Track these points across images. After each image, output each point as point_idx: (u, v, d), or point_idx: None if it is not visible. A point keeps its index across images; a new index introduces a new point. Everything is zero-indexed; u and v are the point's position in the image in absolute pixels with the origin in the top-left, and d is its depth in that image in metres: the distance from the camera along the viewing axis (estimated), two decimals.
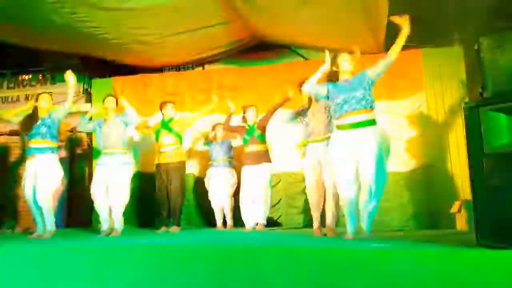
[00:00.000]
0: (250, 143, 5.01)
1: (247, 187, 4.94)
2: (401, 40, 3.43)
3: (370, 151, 3.29)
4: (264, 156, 4.98)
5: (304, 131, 4.26)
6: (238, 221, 5.36)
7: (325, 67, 3.67)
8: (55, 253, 2.92)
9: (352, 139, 3.36)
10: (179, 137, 5.19)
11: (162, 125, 5.19)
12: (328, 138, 3.79)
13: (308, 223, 5.49)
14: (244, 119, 5.20)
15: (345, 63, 3.57)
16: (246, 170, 4.98)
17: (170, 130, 5.12)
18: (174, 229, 4.95)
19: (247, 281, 2.38)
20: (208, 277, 2.44)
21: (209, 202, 5.56)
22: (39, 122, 4.39)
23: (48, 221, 4.26)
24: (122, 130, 4.72)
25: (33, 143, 4.34)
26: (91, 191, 4.58)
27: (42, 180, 4.26)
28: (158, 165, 5.13)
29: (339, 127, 3.46)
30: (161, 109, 5.27)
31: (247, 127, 5.07)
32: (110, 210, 4.55)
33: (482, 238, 2.33)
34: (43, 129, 4.34)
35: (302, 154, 4.29)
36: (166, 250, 2.89)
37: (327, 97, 3.60)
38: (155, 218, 5.37)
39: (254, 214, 4.94)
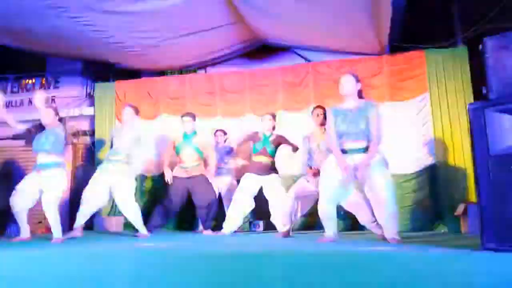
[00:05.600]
0: (259, 153, 4.81)
1: (243, 194, 4.76)
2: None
3: (375, 174, 3.33)
4: (270, 168, 4.82)
5: (311, 159, 4.39)
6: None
7: None
8: (60, 257, 2.91)
9: (350, 162, 3.40)
10: (201, 153, 5.05)
11: (185, 140, 5.02)
12: None
13: (310, 226, 5.48)
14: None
15: (340, 87, 3.57)
16: (248, 177, 4.80)
17: (193, 146, 4.98)
18: (207, 232, 4.95)
19: (247, 285, 2.36)
20: (207, 281, 2.41)
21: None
22: (43, 136, 4.35)
23: (55, 230, 4.28)
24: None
25: (39, 158, 4.33)
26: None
27: (47, 194, 4.25)
28: (175, 178, 5.00)
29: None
30: (182, 122, 5.07)
31: (261, 136, 4.85)
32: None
33: (488, 241, 2.30)
34: (47, 146, 4.30)
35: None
36: (161, 253, 2.87)
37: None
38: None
39: (237, 221, 4.83)
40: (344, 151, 3.45)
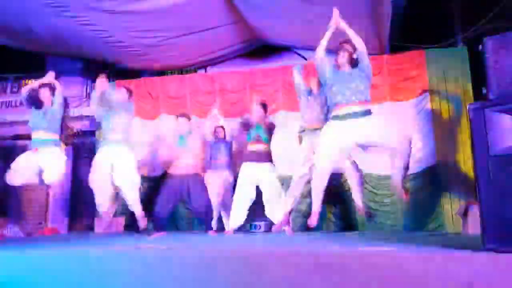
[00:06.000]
0: (253, 141, 4.84)
1: (243, 184, 4.78)
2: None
3: (370, 138, 3.37)
4: (266, 155, 4.84)
5: (302, 118, 4.46)
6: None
7: (332, 25, 3.71)
8: (58, 258, 2.91)
9: (346, 129, 3.40)
10: (196, 152, 5.06)
11: (180, 140, 5.03)
12: None
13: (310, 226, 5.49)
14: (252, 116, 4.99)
15: (339, 56, 3.60)
16: (246, 166, 4.82)
17: (186, 146, 4.98)
18: (211, 233, 4.90)
19: (247, 284, 2.36)
20: (207, 280, 2.41)
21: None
22: (40, 114, 4.37)
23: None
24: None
25: (35, 135, 4.34)
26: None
27: (48, 172, 4.25)
28: (170, 175, 5.02)
29: (334, 118, 3.51)
30: (177, 123, 5.08)
31: (254, 124, 4.92)
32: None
33: (489, 241, 2.29)
34: (44, 123, 4.34)
35: (299, 140, 4.44)
36: (166, 254, 2.86)
37: (325, 81, 3.63)
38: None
39: (242, 217, 4.83)
40: (341, 117, 3.44)
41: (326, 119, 4.09)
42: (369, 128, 3.37)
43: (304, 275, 2.34)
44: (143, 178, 6.08)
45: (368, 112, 3.42)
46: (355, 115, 3.39)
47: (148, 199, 5.91)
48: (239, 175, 4.87)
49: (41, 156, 4.27)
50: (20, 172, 4.26)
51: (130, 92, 4.84)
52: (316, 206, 3.64)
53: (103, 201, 4.55)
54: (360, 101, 3.42)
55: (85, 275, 2.61)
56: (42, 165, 4.26)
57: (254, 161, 4.80)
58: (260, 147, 4.83)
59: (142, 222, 4.55)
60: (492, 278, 2.06)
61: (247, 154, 4.90)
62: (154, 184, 6.07)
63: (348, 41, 3.68)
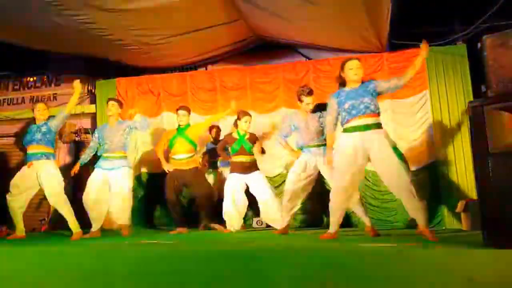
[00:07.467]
0: (238, 153, 4.87)
1: (231, 192, 4.81)
2: (415, 68, 3.53)
3: (385, 151, 3.31)
4: (252, 166, 4.88)
5: (297, 139, 4.45)
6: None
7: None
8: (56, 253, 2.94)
9: (359, 142, 3.37)
10: (195, 145, 5.08)
11: (178, 132, 5.06)
12: (323, 145, 4.13)
13: (310, 224, 5.52)
14: (235, 124, 5.05)
15: (351, 72, 3.54)
16: (232, 177, 4.86)
17: (186, 138, 5.00)
18: (218, 227, 4.99)
19: (249, 282, 2.38)
20: (208, 278, 2.44)
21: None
22: (34, 129, 4.43)
23: (72, 224, 4.31)
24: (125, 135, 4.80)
25: (30, 149, 4.39)
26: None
27: (49, 187, 4.29)
28: (170, 171, 5.01)
29: (346, 130, 3.47)
30: (177, 115, 5.12)
31: (236, 136, 4.94)
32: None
33: (489, 238, 2.32)
34: (38, 136, 4.38)
35: (297, 155, 4.44)
36: (167, 251, 2.90)
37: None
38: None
39: (237, 219, 4.86)
40: (353, 129, 3.42)
41: (321, 139, 4.21)
42: (379, 142, 3.35)
43: (304, 271, 2.37)
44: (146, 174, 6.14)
45: (379, 126, 3.44)
46: (369, 127, 3.38)
47: (150, 197, 5.94)
48: (226, 185, 4.90)
49: (38, 173, 4.31)
50: (19, 198, 4.34)
51: (120, 103, 4.94)
52: (332, 226, 3.52)
53: (98, 220, 4.65)
54: (374, 112, 3.42)
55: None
56: (40, 182, 4.33)
57: (240, 173, 4.84)
58: (245, 158, 4.86)
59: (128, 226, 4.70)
60: (492, 273, 2.09)
61: (233, 166, 4.93)
62: (154, 181, 6.09)
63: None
